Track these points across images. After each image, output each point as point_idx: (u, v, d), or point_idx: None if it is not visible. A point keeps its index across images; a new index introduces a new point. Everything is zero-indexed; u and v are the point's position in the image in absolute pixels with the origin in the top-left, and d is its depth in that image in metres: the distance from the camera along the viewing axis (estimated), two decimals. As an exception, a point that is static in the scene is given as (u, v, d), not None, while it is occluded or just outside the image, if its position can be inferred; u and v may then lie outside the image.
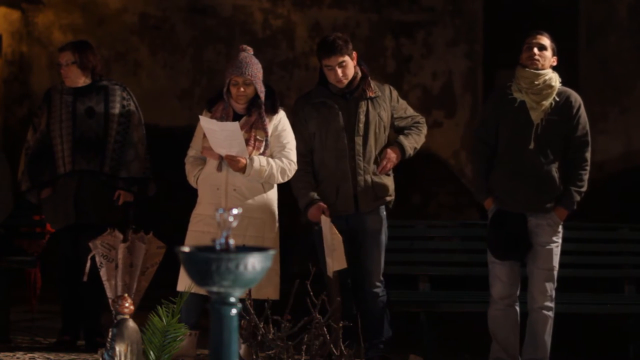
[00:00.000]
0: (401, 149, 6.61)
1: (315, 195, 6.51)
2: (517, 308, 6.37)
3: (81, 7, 11.34)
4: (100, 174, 6.92)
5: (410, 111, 6.76)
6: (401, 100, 6.74)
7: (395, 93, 6.70)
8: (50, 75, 10.65)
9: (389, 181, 6.62)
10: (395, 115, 6.66)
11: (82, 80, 6.99)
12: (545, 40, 6.35)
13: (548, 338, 6.32)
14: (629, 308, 7.01)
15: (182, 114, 11.30)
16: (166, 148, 8.78)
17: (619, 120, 11.39)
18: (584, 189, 6.38)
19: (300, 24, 11.57)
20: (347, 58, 6.48)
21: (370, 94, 6.55)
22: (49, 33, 11.31)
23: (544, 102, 6.28)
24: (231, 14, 11.54)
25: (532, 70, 6.28)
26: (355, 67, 6.55)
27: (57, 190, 6.94)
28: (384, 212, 6.62)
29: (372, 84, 6.60)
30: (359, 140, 6.51)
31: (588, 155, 6.41)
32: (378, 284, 6.58)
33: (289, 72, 11.52)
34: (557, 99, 6.32)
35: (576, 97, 6.39)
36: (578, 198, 6.34)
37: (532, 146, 6.24)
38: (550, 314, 6.32)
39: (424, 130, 6.75)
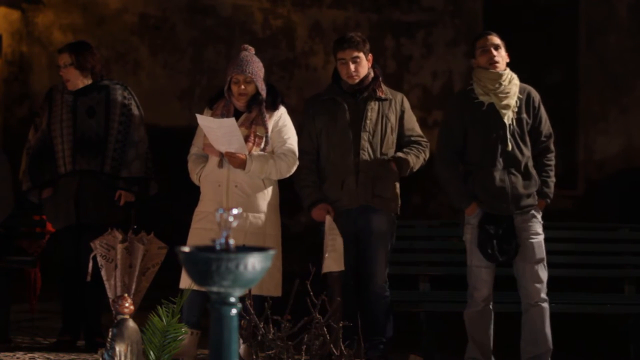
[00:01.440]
0: (398, 165, 6.59)
1: (319, 195, 6.51)
2: (491, 307, 6.39)
3: (81, 7, 11.34)
4: (101, 174, 6.91)
5: (417, 128, 6.74)
6: (412, 113, 6.74)
7: (407, 103, 6.72)
8: (50, 75, 10.65)
9: (393, 183, 6.60)
10: (401, 121, 6.65)
11: (82, 81, 6.99)
12: (497, 40, 6.38)
13: (549, 331, 6.32)
14: (629, 308, 7.01)
15: (182, 114, 11.30)
16: (166, 148, 8.78)
17: (619, 120, 11.39)
18: (554, 179, 6.43)
19: (300, 24, 11.57)
20: (361, 55, 6.53)
21: (380, 94, 6.57)
22: (49, 33, 11.31)
23: (510, 101, 6.31)
24: (231, 14, 11.54)
25: (495, 71, 6.29)
26: (369, 68, 6.59)
27: (58, 190, 6.93)
28: (393, 215, 6.62)
29: (385, 88, 6.63)
30: (365, 135, 6.52)
31: (552, 145, 6.45)
32: (382, 284, 6.57)
33: (289, 72, 11.52)
34: (520, 96, 6.35)
35: (535, 92, 6.46)
36: (553, 187, 6.39)
37: (509, 147, 6.28)
38: (546, 305, 6.33)
39: (424, 154, 6.69)
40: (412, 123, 6.71)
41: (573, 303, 6.93)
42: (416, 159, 6.64)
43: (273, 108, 6.37)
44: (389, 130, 6.59)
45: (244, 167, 6.22)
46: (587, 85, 11.41)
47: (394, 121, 6.61)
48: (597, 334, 8.28)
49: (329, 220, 6.38)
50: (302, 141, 6.50)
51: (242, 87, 6.30)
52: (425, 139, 6.74)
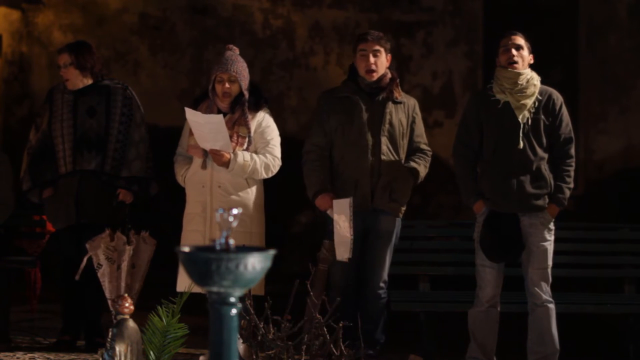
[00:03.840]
0: (415, 176, 6.62)
1: (325, 185, 6.49)
2: (498, 309, 6.39)
3: (81, 7, 11.34)
4: (101, 174, 6.91)
5: (424, 136, 6.77)
6: (421, 120, 6.75)
7: (418, 108, 6.74)
8: (50, 75, 10.66)
9: (409, 189, 6.62)
10: (412, 126, 6.67)
11: (82, 81, 6.99)
12: (521, 40, 6.38)
13: (555, 331, 6.32)
14: (629, 308, 7.01)
15: (182, 114, 11.27)
16: (166, 148, 8.77)
17: (619, 120, 11.39)
18: (572, 185, 6.40)
19: (300, 24, 11.57)
20: (382, 50, 6.58)
21: (397, 96, 6.59)
22: (49, 33, 11.31)
23: (527, 102, 6.30)
24: (231, 14, 11.54)
25: (513, 71, 6.30)
26: (387, 69, 6.60)
27: (59, 190, 6.93)
28: (398, 218, 6.63)
29: (401, 91, 6.66)
30: (384, 140, 6.52)
31: (573, 151, 6.42)
32: (382, 284, 6.58)
33: (289, 72, 11.52)
34: (540, 98, 6.34)
35: (557, 95, 6.42)
36: (568, 194, 6.36)
37: (520, 146, 6.26)
38: (552, 306, 6.33)
39: (428, 163, 6.74)
40: (421, 130, 6.75)
41: (573, 303, 6.93)
42: (424, 170, 6.70)
43: (256, 109, 6.42)
44: (402, 134, 6.61)
45: (227, 166, 6.26)
46: (587, 85, 11.42)
47: (405, 125, 6.63)
48: (597, 334, 8.28)
49: (335, 204, 6.34)
50: (315, 136, 6.54)
51: (227, 85, 6.36)
52: (429, 149, 6.78)
